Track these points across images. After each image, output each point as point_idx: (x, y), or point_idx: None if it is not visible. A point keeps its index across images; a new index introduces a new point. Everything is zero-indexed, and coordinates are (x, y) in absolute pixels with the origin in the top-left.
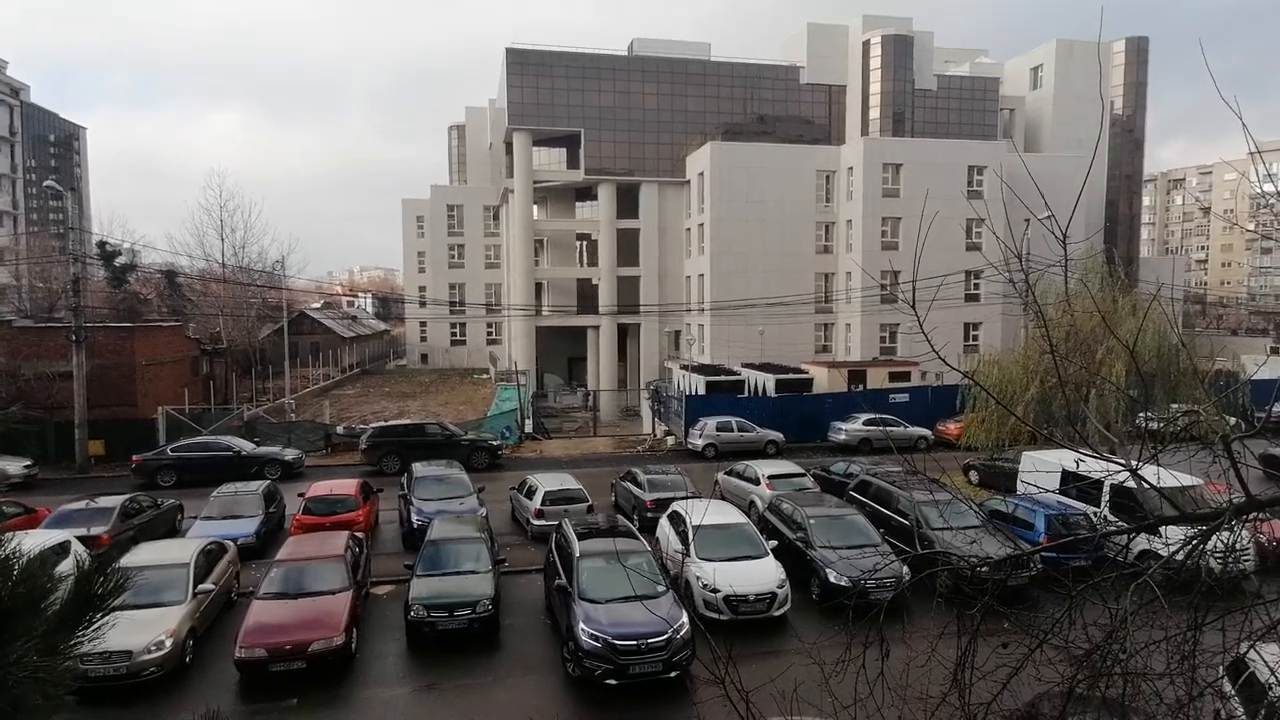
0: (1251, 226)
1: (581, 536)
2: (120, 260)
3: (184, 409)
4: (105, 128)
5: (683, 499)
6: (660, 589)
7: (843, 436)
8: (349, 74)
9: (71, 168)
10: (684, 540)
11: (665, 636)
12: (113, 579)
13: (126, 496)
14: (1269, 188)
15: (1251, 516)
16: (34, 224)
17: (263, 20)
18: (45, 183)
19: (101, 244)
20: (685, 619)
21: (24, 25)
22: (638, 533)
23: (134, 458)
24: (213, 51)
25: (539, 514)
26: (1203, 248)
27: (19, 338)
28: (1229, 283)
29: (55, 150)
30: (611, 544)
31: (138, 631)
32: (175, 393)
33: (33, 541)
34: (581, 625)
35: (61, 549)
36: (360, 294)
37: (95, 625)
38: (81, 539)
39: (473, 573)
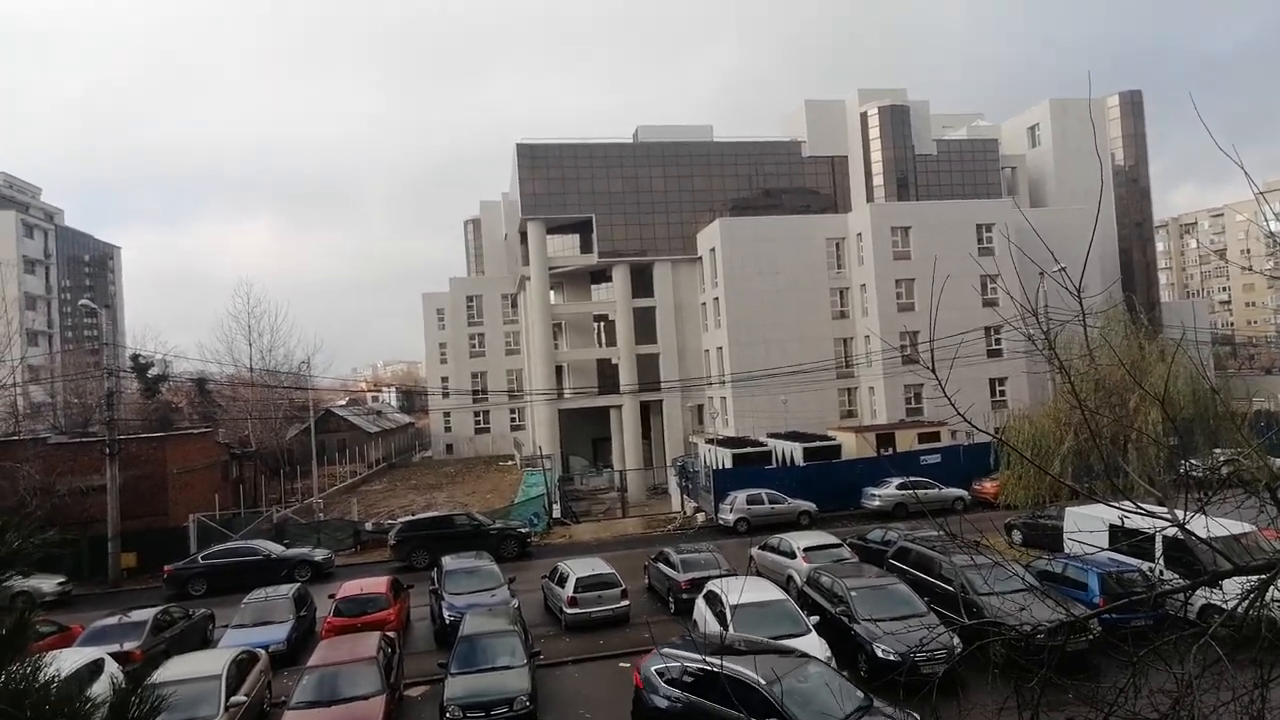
0: (1270, 265)
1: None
2: (153, 372)
3: (215, 515)
4: (140, 239)
5: (718, 577)
6: (860, 695)
7: (877, 502)
8: (370, 174)
9: (106, 285)
10: (722, 621)
11: None
12: (148, 700)
13: (159, 609)
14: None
15: None
16: (69, 340)
17: (285, 130)
18: (80, 301)
19: (135, 357)
20: None
21: (60, 147)
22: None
23: (165, 568)
24: (241, 163)
25: (572, 602)
26: (1224, 289)
27: (54, 454)
28: (1255, 322)
29: (90, 270)
30: (784, 664)
31: None
32: (206, 499)
33: (68, 661)
34: None
35: (96, 668)
36: (384, 389)
37: None
38: (115, 655)
39: (508, 668)
